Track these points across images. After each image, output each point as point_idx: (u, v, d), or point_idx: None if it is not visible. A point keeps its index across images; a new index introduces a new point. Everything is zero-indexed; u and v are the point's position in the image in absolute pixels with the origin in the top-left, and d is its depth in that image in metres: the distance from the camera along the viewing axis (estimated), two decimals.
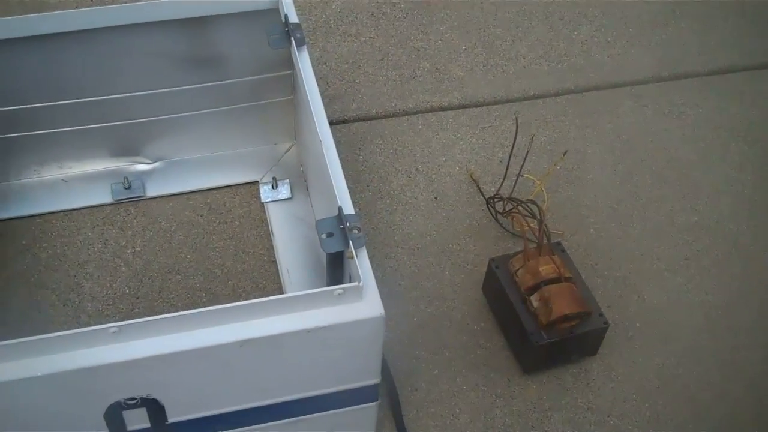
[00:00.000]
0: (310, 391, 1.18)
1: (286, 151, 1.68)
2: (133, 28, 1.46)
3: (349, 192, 1.22)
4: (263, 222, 1.58)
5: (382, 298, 1.10)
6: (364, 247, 1.16)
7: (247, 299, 1.46)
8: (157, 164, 1.65)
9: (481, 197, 1.64)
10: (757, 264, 1.61)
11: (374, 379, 1.20)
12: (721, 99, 1.90)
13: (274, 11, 1.49)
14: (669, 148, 1.79)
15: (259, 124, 1.65)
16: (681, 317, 1.52)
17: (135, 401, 1.09)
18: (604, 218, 1.65)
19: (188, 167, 1.65)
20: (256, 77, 1.58)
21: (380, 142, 1.74)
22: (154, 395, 1.09)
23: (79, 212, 1.58)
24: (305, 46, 1.43)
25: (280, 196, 1.61)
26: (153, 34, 1.48)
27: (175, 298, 1.47)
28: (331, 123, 1.76)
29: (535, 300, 1.37)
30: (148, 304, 1.45)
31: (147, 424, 1.12)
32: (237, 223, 1.58)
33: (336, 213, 1.20)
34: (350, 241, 1.15)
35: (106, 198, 1.59)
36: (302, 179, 1.64)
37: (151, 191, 1.61)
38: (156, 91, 1.55)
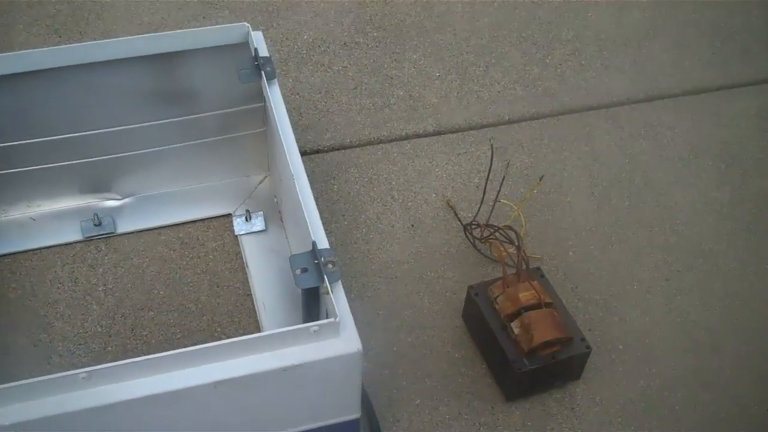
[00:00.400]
0: (288, 429, 1.16)
1: (260, 183, 1.66)
2: (102, 65, 1.44)
3: (324, 222, 1.21)
4: (237, 255, 1.55)
5: (360, 329, 1.08)
6: (340, 282, 1.14)
7: (222, 334, 1.44)
8: (127, 200, 1.62)
9: (458, 223, 1.62)
10: (739, 283, 1.60)
11: (354, 414, 1.17)
12: (696, 119, 1.91)
13: (244, 45, 1.48)
14: (646, 169, 1.79)
15: (231, 156, 1.63)
16: (664, 338, 1.50)
17: None
18: (582, 241, 1.64)
19: (160, 202, 1.62)
20: (227, 110, 1.56)
21: (355, 171, 1.73)
22: None
23: (48, 250, 1.54)
24: (276, 80, 1.42)
25: (254, 229, 1.58)
26: (122, 71, 1.46)
27: (148, 335, 1.43)
28: (304, 153, 1.75)
29: (515, 327, 1.35)
30: (120, 342, 1.42)
31: None
32: (210, 256, 1.55)
33: (310, 247, 1.18)
34: (325, 276, 1.13)
35: (76, 235, 1.56)
36: (276, 211, 1.62)
37: (122, 227, 1.58)
38: (126, 126, 1.53)
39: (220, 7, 2.10)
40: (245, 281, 1.51)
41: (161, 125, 1.55)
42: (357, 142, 1.79)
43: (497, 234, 1.51)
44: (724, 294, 1.58)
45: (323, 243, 1.18)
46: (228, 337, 1.42)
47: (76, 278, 1.51)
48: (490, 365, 1.43)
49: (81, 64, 1.43)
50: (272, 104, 1.38)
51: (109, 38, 1.99)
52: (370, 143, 1.79)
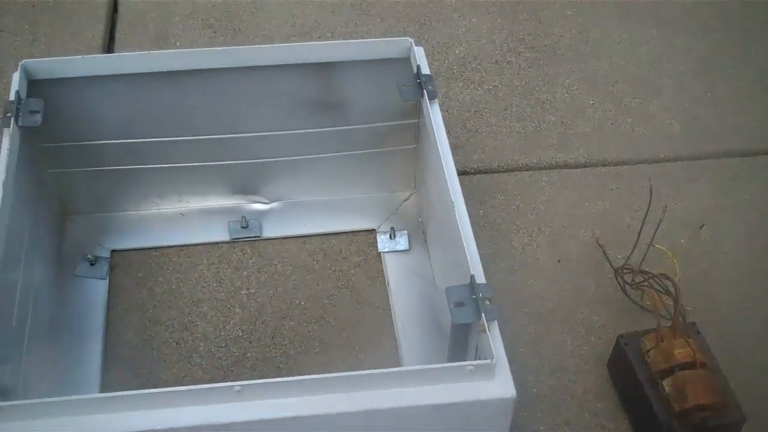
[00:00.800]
0: None
1: (405, 200, 1.64)
2: (262, 69, 1.45)
3: None
4: (379, 272, 1.54)
5: None
6: (496, 321, 1.10)
7: (360, 353, 1.42)
8: (274, 204, 1.63)
9: (608, 264, 1.55)
10: None
11: None
12: None
13: (405, 60, 1.46)
14: None
15: (378, 171, 1.62)
16: None
17: None
18: (739, 298, 1.54)
19: (305, 210, 1.62)
20: (379, 124, 1.54)
21: (501, 197, 1.68)
22: None
23: (195, 248, 1.57)
24: (437, 99, 1.39)
25: (398, 247, 1.56)
26: (281, 76, 1.46)
27: (288, 344, 1.43)
28: None
29: (667, 385, 1.28)
30: (260, 349, 1.42)
31: None
32: (353, 271, 1.54)
33: (462, 278, 1.14)
34: (483, 313, 1.10)
35: (223, 235, 1.58)
36: (420, 230, 1.59)
37: (268, 232, 1.59)
38: (278, 132, 1.54)
39: (372, 15, 2.09)
40: (386, 300, 1.49)
41: (313, 133, 1.55)
42: (505, 167, 1.74)
43: (652, 281, 1.44)
44: None
45: (481, 278, 1.15)
46: (365, 356, 1.42)
47: (221, 279, 1.52)
48: (635, 422, 1.36)
49: (242, 67, 1.45)
50: (433, 125, 1.35)
51: (262, 37, 2.03)
52: (519, 169, 1.74)
